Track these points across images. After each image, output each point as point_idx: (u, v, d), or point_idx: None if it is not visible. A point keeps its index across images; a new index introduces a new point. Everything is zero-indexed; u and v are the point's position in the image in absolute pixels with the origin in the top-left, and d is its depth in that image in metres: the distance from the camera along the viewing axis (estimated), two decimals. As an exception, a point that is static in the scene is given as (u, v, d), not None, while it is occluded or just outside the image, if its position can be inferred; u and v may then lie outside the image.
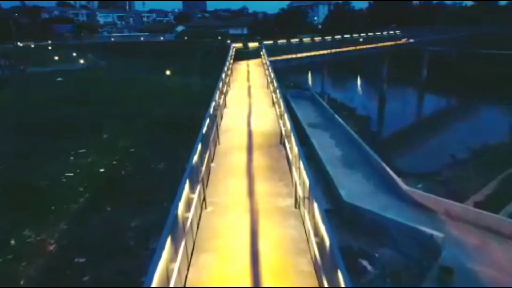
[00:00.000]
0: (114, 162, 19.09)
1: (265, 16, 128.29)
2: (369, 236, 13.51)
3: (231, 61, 29.09)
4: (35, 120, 25.54)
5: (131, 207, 14.69)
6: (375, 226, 13.78)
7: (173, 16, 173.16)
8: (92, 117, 25.84)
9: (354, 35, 50.49)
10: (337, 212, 15.38)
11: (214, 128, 11.31)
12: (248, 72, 28.79)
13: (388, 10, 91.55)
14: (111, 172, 18.06)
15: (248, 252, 6.49)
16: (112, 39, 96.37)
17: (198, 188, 7.56)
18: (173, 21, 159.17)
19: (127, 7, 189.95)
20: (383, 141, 33.16)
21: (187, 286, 5.75)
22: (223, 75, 19.14)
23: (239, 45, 45.39)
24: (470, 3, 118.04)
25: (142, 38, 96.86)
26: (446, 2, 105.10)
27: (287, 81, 41.03)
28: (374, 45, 49.92)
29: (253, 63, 33.81)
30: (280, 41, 44.53)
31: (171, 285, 4.75)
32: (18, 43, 75.84)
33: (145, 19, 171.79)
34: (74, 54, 60.63)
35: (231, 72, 25.46)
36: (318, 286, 5.66)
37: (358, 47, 48.01)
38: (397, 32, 59.82)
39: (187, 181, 6.46)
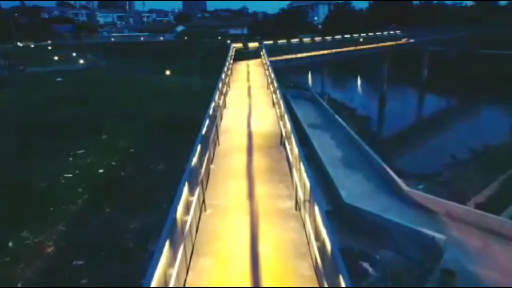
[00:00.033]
0: (113, 163, 19.01)
1: (265, 16, 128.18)
2: (370, 238, 13.40)
3: (231, 61, 29.00)
4: (34, 120, 25.48)
5: (130, 209, 14.60)
6: (376, 227, 13.67)
7: (173, 16, 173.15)
8: (92, 117, 25.76)
9: (354, 35, 50.40)
10: (338, 213, 15.27)
11: (214, 129, 11.21)
12: (248, 72, 28.70)
13: (388, 10, 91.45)
14: (110, 172, 17.98)
15: (248, 255, 6.40)
16: (112, 39, 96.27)
17: (198, 190, 7.46)
18: (173, 21, 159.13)
19: (127, 7, 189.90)
20: (383, 141, 33.06)
21: (186, 290, 5.66)
22: (223, 76, 19.04)
23: (239, 45, 45.31)
24: (470, 3, 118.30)
25: (142, 38, 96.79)
26: (446, 2, 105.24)
27: (287, 81, 40.95)
28: (374, 45, 49.81)
29: (253, 63, 33.71)
30: (280, 41, 44.43)
31: None
32: (18, 43, 75.79)
33: (145, 19, 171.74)
34: (74, 54, 60.58)
35: (231, 73, 25.36)
36: (319, 291, 5.56)
37: (358, 47, 47.92)
38: (397, 32, 59.77)
39: (186, 183, 6.36)
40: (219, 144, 11.93)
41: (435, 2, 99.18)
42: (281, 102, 12.97)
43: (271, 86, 18.46)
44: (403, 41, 56.81)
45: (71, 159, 19.33)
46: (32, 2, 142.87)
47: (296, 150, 8.16)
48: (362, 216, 14.38)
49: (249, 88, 22.06)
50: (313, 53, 41.37)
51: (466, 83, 49.39)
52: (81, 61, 54.28)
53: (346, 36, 48.49)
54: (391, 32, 59.71)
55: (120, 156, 19.79)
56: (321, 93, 41.20)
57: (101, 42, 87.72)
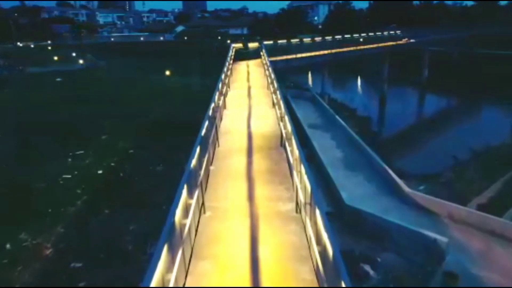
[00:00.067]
0: (113, 164, 18.92)
1: (265, 16, 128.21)
2: (371, 240, 13.29)
3: (231, 61, 28.89)
4: (34, 120, 25.40)
5: (129, 210, 14.50)
6: (377, 229, 13.56)
7: (173, 16, 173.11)
8: (92, 117, 25.70)
9: (354, 35, 50.35)
10: (339, 215, 15.17)
11: (213, 130, 11.09)
12: (248, 72, 28.60)
13: (388, 10, 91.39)
14: (109, 174, 17.88)
15: (247, 259, 6.30)
16: (112, 39, 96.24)
17: (197, 192, 7.34)
18: (173, 21, 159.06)
19: (127, 7, 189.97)
20: (384, 141, 32.96)
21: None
22: (223, 76, 18.92)
23: (239, 45, 45.18)
24: (470, 3, 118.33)
25: (142, 38, 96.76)
26: (446, 2, 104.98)
27: (288, 81, 40.86)
28: (374, 45, 49.76)
29: (253, 64, 33.59)
30: (280, 41, 44.37)
31: None
32: (18, 43, 75.73)
33: (145, 19, 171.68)
34: (74, 54, 60.52)
35: (231, 73, 25.25)
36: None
37: (358, 47, 47.87)
38: (398, 32, 59.73)
39: (185, 185, 6.26)
40: (218, 145, 11.82)
41: (435, 2, 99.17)
42: (281, 102, 12.85)
43: (271, 86, 18.35)
44: (403, 41, 56.74)
45: (70, 159, 19.26)
46: (32, 2, 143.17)
47: (296, 151, 8.05)
48: (363, 218, 14.27)
49: (249, 88, 21.95)
50: (313, 53, 41.32)
51: (466, 83, 49.34)
52: (81, 61, 54.23)
53: (346, 36, 48.44)
54: (391, 32, 59.64)
55: (120, 156, 19.70)
56: (321, 94, 41.14)
57: (101, 42, 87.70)
